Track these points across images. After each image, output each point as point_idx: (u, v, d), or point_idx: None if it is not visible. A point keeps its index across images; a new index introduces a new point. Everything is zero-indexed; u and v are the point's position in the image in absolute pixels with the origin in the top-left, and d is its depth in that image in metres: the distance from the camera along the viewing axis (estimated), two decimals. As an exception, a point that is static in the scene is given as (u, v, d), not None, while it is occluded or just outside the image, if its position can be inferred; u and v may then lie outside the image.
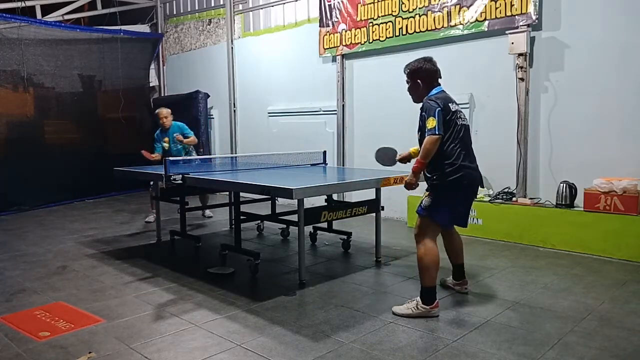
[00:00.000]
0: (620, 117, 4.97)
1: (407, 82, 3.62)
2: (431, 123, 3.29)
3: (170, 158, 4.75)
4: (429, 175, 3.47)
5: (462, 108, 5.90)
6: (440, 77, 3.59)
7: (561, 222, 5.02)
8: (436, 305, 3.36)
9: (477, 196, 5.51)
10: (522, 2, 5.34)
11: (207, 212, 7.04)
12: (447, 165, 3.36)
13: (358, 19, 6.87)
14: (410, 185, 3.50)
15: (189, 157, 6.30)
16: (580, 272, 4.31)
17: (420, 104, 3.49)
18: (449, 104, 3.40)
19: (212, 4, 9.38)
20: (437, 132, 3.28)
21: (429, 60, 3.57)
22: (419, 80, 3.54)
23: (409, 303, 3.41)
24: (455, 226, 3.79)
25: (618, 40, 4.93)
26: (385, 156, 4.13)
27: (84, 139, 9.06)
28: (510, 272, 4.32)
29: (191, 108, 9.15)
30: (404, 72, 3.63)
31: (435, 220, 3.44)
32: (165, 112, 6.61)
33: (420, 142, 3.47)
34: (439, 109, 3.31)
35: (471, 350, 2.85)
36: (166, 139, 6.52)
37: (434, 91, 3.50)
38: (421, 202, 3.50)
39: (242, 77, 8.91)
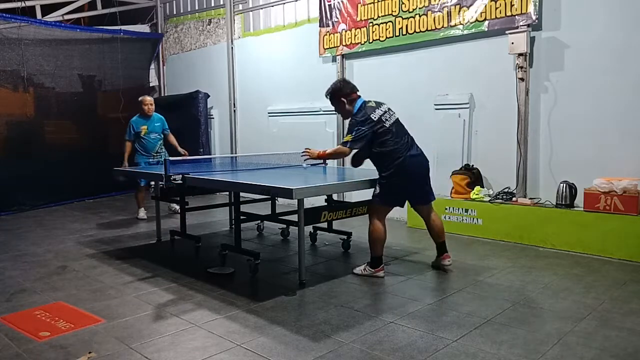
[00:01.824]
0: (620, 117, 4.97)
1: (332, 105, 4.22)
2: (347, 137, 4.00)
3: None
4: (380, 174, 4.09)
5: (462, 108, 6.02)
6: (358, 90, 4.17)
7: (561, 222, 5.01)
8: (380, 269, 4.16)
9: (479, 195, 5.60)
10: (522, 2, 5.34)
11: (142, 214, 7.06)
12: (386, 163, 4.00)
13: (358, 19, 6.87)
14: (308, 155, 4.34)
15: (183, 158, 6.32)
16: (580, 272, 4.31)
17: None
18: (372, 115, 3.97)
19: (212, 4, 9.38)
20: (348, 146, 3.98)
21: (342, 80, 4.30)
22: (342, 99, 4.13)
23: (362, 266, 4.24)
24: (434, 211, 4.34)
25: (618, 40, 4.93)
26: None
27: (84, 139, 9.06)
28: (510, 272, 4.32)
29: (191, 108, 9.16)
30: (326, 97, 4.22)
31: (380, 203, 4.10)
32: (150, 99, 6.89)
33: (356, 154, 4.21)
34: (359, 127, 3.94)
35: (471, 350, 2.85)
36: (144, 127, 6.74)
37: (357, 103, 4.08)
38: (374, 191, 4.14)
39: (242, 77, 8.91)
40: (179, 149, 6.94)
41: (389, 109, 4.13)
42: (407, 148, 4.04)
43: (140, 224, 6.72)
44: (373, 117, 3.97)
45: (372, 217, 4.13)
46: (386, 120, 4.02)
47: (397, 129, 4.07)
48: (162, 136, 6.97)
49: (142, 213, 7.01)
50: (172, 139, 7.05)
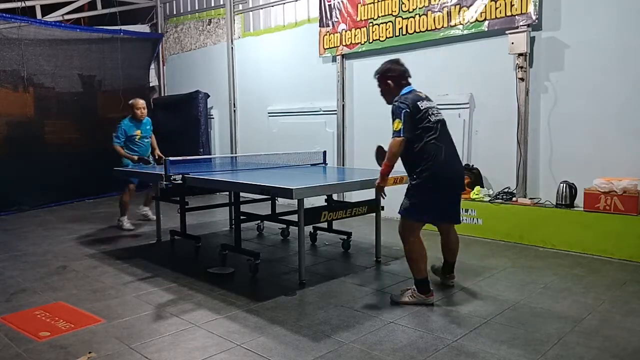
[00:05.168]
0: (620, 117, 4.97)
1: (379, 86, 3.76)
2: (396, 125, 3.42)
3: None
4: (410, 176, 3.60)
5: (462, 108, 6.02)
6: (410, 77, 3.70)
7: (561, 222, 5.01)
8: (431, 294, 3.59)
9: (479, 195, 5.60)
10: (522, 2, 5.34)
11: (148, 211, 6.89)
12: (423, 162, 3.46)
13: (358, 19, 6.87)
14: (379, 188, 3.64)
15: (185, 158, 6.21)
16: (580, 272, 4.31)
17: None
18: (418, 102, 3.49)
19: (212, 4, 9.38)
20: (401, 135, 3.40)
21: (395, 61, 3.72)
22: (389, 82, 3.67)
23: (406, 292, 3.64)
24: (454, 226, 3.87)
25: (618, 40, 4.93)
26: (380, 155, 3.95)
27: (84, 139, 9.05)
28: (510, 272, 4.32)
29: (191, 108, 9.16)
30: (374, 77, 3.77)
31: (413, 219, 3.58)
32: (143, 102, 6.42)
33: None
34: (406, 110, 3.42)
35: (471, 350, 2.85)
36: (138, 131, 6.32)
37: (404, 91, 3.61)
38: (402, 203, 3.60)
39: (242, 77, 8.90)
40: (157, 150, 6.52)
41: (436, 106, 3.62)
42: (448, 153, 3.53)
43: (140, 223, 6.70)
44: (420, 105, 3.46)
45: (405, 236, 3.61)
46: (432, 114, 3.50)
47: (442, 130, 3.54)
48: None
49: (127, 223, 6.38)
50: (153, 140, 6.60)
